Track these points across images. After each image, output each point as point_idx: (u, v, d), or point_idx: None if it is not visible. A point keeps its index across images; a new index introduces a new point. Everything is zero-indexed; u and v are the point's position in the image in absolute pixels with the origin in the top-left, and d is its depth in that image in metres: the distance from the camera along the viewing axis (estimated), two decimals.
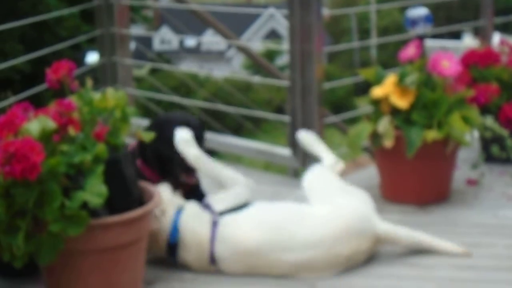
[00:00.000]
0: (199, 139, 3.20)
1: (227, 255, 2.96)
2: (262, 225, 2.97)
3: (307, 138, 3.50)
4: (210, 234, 2.98)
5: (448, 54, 3.72)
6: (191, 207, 3.06)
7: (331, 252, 2.94)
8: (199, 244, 2.98)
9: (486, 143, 4.24)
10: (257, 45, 25.52)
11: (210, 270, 2.99)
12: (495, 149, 4.07)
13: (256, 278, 2.99)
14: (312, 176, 3.28)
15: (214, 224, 2.99)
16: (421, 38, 3.87)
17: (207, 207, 3.06)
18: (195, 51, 33.04)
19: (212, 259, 2.98)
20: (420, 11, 4.57)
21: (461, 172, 4.04)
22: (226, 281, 2.96)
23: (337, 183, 3.27)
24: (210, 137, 4.78)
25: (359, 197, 3.18)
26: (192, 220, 3.01)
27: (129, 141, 2.94)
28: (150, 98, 5.64)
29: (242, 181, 3.15)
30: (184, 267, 3.03)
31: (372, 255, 3.09)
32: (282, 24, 33.83)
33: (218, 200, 3.08)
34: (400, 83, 3.64)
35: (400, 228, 3.14)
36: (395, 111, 3.65)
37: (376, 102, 3.72)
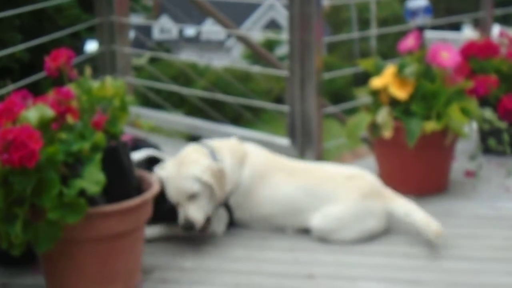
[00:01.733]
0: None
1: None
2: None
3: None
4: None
5: (448, 46, 3.72)
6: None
7: (346, 184, 3.21)
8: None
9: (484, 135, 4.24)
10: (257, 35, 25.47)
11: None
12: (491, 142, 4.08)
13: (255, 263, 3.01)
14: None
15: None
16: (420, 29, 3.86)
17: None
18: (195, 41, 32.98)
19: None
20: (420, 2, 4.56)
21: (459, 163, 4.04)
22: (226, 269, 2.97)
23: None
24: (209, 126, 4.79)
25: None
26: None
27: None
28: (149, 87, 5.63)
29: None
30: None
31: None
32: (282, 14, 33.77)
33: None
34: (400, 74, 3.64)
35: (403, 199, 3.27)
36: (394, 102, 3.64)
37: (375, 93, 3.71)
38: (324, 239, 3.18)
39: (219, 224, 3.25)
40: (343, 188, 3.22)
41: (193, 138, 3.65)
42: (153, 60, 23.90)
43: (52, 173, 2.49)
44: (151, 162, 3.25)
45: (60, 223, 2.50)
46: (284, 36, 4.25)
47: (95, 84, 2.74)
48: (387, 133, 3.59)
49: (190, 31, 34.50)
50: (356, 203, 3.19)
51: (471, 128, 3.89)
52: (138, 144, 3.38)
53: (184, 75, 23.85)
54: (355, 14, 31.78)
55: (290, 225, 3.27)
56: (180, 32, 34.34)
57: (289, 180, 3.27)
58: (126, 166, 2.77)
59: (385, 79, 3.65)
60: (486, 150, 4.17)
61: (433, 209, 3.56)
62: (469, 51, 4.31)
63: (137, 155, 3.24)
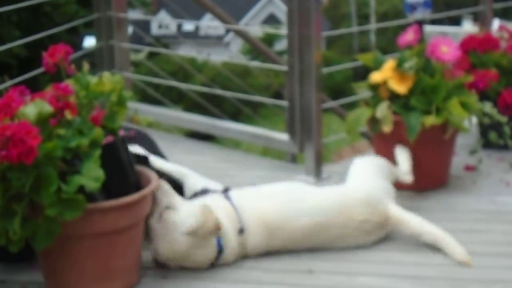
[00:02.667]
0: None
1: (251, 223, 2.98)
2: (273, 196, 3.06)
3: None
4: (232, 207, 2.99)
5: (447, 40, 3.71)
6: (206, 204, 2.94)
7: (341, 216, 3.02)
8: (230, 218, 2.96)
9: (484, 129, 4.23)
10: (256, 30, 25.47)
11: (239, 256, 2.98)
12: (492, 136, 4.06)
13: (256, 261, 2.99)
14: (359, 161, 3.39)
15: (227, 197, 3.03)
16: (420, 23, 3.85)
17: (205, 192, 3.07)
18: (193, 36, 32.97)
19: (241, 229, 2.96)
20: None
21: (459, 158, 4.03)
22: (226, 265, 2.95)
23: (372, 171, 3.31)
24: (209, 122, 4.78)
25: (380, 183, 3.24)
26: (218, 212, 2.93)
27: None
28: (148, 82, 5.62)
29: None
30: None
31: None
32: (281, 9, 33.76)
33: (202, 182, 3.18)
34: (399, 68, 3.63)
35: (414, 217, 3.12)
36: (393, 97, 3.63)
37: (375, 87, 3.70)
38: None
39: None
40: (351, 238, 3.06)
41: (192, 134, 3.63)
42: (151, 56, 23.89)
43: (50, 169, 2.48)
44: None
45: (59, 219, 2.49)
46: (283, 31, 4.23)
47: (93, 80, 2.73)
48: (387, 128, 3.58)
49: (188, 26, 34.49)
50: (361, 242, 3.08)
51: (471, 123, 3.88)
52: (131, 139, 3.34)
53: (182, 71, 23.84)
54: (354, 8, 31.77)
55: None
56: (179, 27, 34.33)
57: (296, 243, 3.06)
58: (125, 162, 2.76)
59: (385, 73, 3.64)
60: (486, 144, 4.16)
61: (433, 204, 3.56)
62: (468, 45, 4.30)
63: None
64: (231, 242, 2.94)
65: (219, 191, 3.10)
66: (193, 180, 3.21)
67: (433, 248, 3.07)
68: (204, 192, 3.10)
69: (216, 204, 2.96)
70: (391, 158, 3.67)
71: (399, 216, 3.11)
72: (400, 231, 3.12)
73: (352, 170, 3.34)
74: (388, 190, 3.23)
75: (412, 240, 3.13)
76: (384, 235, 3.13)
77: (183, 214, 2.83)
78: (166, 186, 2.88)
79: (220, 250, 2.90)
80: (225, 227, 2.92)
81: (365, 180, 3.24)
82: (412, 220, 3.11)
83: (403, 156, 3.58)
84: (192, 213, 2.82)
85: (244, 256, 2.99)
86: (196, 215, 2.81)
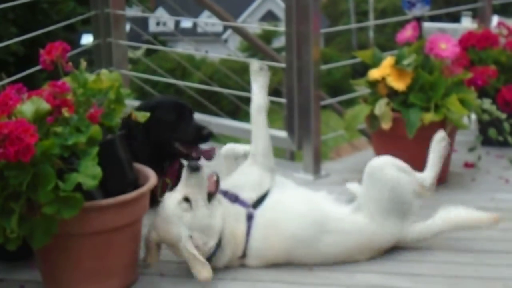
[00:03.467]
0: (189, 120, 3.28)
1: (261, 246, 2.88)
2: (298, 219, 2.89)
3: None
4: (246, 229, 2.88)
5: (446, 36, 3.70)
6: (229, 207, 2.90)
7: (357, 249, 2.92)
8: (235, 242, 2.88)
9: (483, 126, 4.22)
10: (254, 27, 25.43)
11: (234, 265, 2.92)
12: (492, 132, 4.05)
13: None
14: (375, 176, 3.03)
15: (249, 218, 2.90)
16: (419, 20, 3.84)
17: (238, 201, 2.94)
18: (191, 33, 32.93)
19: (244, 254, 2.90)
20: None
21: (458, 155, 4.03)
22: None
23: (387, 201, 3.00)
24: (207, 119, 4.76)
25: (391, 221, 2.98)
26: (232, 220, 2.88)
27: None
28: (146, 79, 5.60)
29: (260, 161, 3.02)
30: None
31: None
32: (279, 6, 33.73)
33: (247, 193, 2.96)
34: (398, 65, 3.62)
35: (431, 222, 3.03)
36: (392, 93, 3.62)
37: (373, 84, 3.69)
38: None
39: None
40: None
41: None
42: (149, 53, 23.83)
43: (48, 167, 2.47)
44: None
45: (56, 217, 2.48)
46: (281, 28, 4.22)
47: (90, 77, 2.72)
48: (386, 125, 3.57)
49: (186, 23, 34.45)
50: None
51: (470, 120, 3.88)
52: None
53: (180, 68, 23.78)
54: (352, 5, 31.75)
55: None
56: (177, 24, 34.28)
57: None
58: (123, 159, 2.75)
59: (383, 70, 3.63)
60: (485, 141, 4.16)
61: (431, 201, 3.54)
62: (467, 42, 4.29)
63: None
64: (226, 257, 2.88)
65: (247, 203, 2.94)
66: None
67: (432, 245, 3.06)
68: (233, 198, 2.95)
69: (234, 219, 2.87)
70: (390, 155, 3.65)
71: (416, 236, 3.01)
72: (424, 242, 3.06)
73: (365, 190, 3.00)
74: (402, 216, 2.98)
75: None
76: None
77: (201, 215, 2.79)
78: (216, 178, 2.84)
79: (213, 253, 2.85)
80: (229, 244, 2.86)
81: (377, 218, 2.94)
82: (427, 228, 3.02)
83: (434, 158, 3.21)
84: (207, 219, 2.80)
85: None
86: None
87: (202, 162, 3.20)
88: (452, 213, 3.04)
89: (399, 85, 3.59)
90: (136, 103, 5.02)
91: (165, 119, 3.30)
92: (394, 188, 2.96)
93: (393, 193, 2.95)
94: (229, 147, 3.17)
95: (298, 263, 2.90)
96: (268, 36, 28.42)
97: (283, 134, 4.21)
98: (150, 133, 3.29)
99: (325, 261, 2.90)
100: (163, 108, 3.32)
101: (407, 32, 3.82)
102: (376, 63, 3.73)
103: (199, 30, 33.45)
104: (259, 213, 2.90)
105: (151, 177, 2.80)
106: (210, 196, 2.82)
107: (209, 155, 3.36)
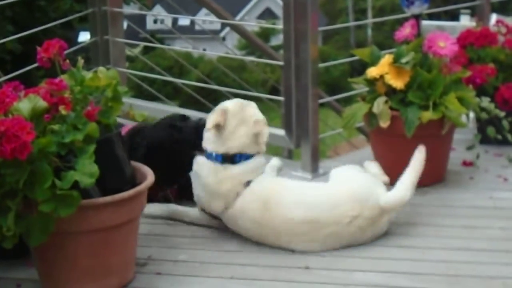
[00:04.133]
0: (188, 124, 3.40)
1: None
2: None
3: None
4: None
5: (444, 34, 3.69)
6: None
7: (333, 212, 2.99)
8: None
9: (482, 125, 4.21)
10: (252, 25, 25.42)
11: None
12: (490, 131, 4.04)
13: (251, 257, 2.98)
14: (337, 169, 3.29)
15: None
16: (417, 18, 3.83)
17: None
18: (189, 31, 32.93)
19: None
20: None
21: (457, 153, 4.02)
22: (221, 262, 2.95)
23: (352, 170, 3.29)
24: (205, 117, 4.74)
25: (363, 176, 3.22)
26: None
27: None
28: (143, 77, 5.59)
29: None
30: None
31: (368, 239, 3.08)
32: (277, 3, 33.75)
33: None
34: (396, 63, 3.61)
35: (401, 189, 3.14)
36: (390, 92, 3.62)
37: (372, 82, 3.68)
38: None
39: None
40: (345, 236, 3.03)
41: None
42: (146, 51, 23.80)
43: (44, 165, 2.46)
44: None
45: (53, 216, 2.47)
46: (280, 25, 4.21)
47: (88, 75, 2.71)
48: (384, 123, 3.56)
49: (184, 21, 34.43)
50: (357, 239, 3.06)
51: (468, 118, 3.87)
52: None
53: (178, 66, 23.77)
54: (351, 3, 31.77)
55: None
56: (174, 22, 34.26)
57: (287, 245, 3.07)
58: (120, 157, 2.74)
59: (382, 68, 3.62)
60: (484, 139, 4.15)
61: (430, 200, 3.55)
62: (466, 40, 4.28)
63: None
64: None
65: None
66: None
67: (430, 244, 3.06)
68: None
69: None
70: (389, 154, 3.66)
71: (391, 202, 3.08)
72: (400, 211, 3.14)
73: (332, 174, 3.24)
74: (374, 181, 3.17)
75: (409, 236, 3.13)
76: (382, 231, 3.11)
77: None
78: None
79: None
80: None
81: (348, 178, 3.17)
82: (399, 195, 3.11)
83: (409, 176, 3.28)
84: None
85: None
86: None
87: None
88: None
89: (398, 83, 3.58)
90: (134, 101, 5.02)
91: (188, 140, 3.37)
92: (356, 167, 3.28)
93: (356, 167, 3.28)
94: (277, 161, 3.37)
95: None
96: (266, 34, 28.44)
97: (281, 132, 4.20)
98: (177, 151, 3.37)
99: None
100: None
101: (406, 30, 3.81)
102: (374, 61, 3.71)
103: (197, 28, 33.44)
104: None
105: (149, 175, 2.79)
106: None
107: None
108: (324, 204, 3.02)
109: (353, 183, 3.13)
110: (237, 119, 3.10)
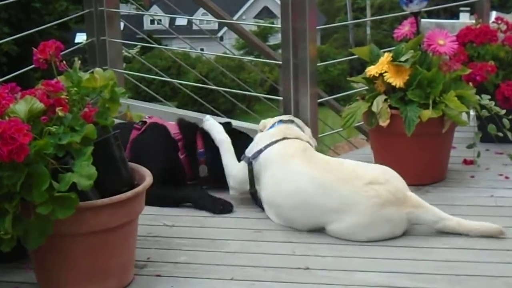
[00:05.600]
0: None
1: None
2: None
3: None
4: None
5: (444, 32, 3.67)
6: None
7: (360, 169, 3.14)
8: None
9: (482, 123, 4.18)
10: (250, 24, 25.43)
11: None
12: (491, 128, 4.01)
13: (251, 256, 2.97)
14: None
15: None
16: (416, 15, 3.81)
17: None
18: (186, 31, 32.93)
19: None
20: None
21: (458, 151, 4.00)
22: (221, 263, 2.93)
23: None
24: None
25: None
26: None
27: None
28: (141, 78, 5.58)
29: None
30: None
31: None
32: (275, 2, 33.75)
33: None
34: (395, 61, 3.59)
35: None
36: (390, 90, 3.60)
37: (371, 81, 3.66)
38: None
39: None
40: (361, 195, 3.03)
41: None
42: (144, 51, 23.78)
43: (42, 167, 2.44)
44: None
45: (51, 218, 2.45)
46: (278, 24, 4.19)
47: (84, 76, 2.69)
48: (383, 122, 3.55)
49: (181, 21, 34.43)
50: (372, 213, 3.04)
51: (469, 116, 3.85)
52: None
53: (176, 66, 23.75)
54: (349, 1, 31.78)
55: (301, 222, 3.18)
56: (172, 22, 34.26)
57: (304, 168, 3.19)
58: (118, 159, 2.73)
59: (381, 67, 3.60)
60: (485, 138, 4.12)
61: (431, 199, 3.51)
62: (465, 38, 4.26)
63: None
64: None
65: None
66: None
67: (432, 244, 3.03)
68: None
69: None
70: (389, 153, 3.64)
71: (419, 200, 3.10)
72: (419, 216, 3.09)
73: None
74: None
75: (409, 236, 3.11)
76: (399, 227, 3.08)
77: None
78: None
79: None
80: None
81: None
82: (431, 207, 3.11)
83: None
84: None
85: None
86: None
87: None
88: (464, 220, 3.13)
89: (397, 81, 3.56)
90: (132, 102, 5.00)
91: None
92: None
93: None
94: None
95: None
96: (264, 33, 28.44)
97: None
98: None
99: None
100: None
101: (405, 28, 3.79)
102: (373, 60, 3.70)
103: (194, 27, 33.45)
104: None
105: (147, 177, 2.77)
106: None
107: None
108: (355, 162, 3.21)
109: (390, 169, 3.20)
110: None
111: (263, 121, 3.63)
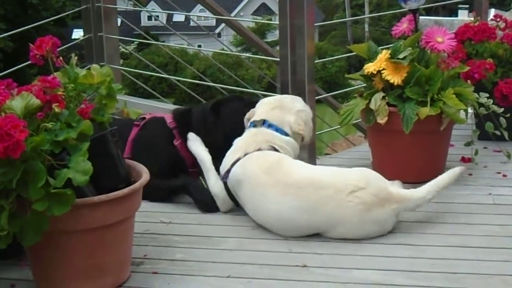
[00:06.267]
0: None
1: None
2: None
3: None
4: None
5: (442, 29, 3.66)
6: None
7: (336, 178, 3.07)
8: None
9: (480, 120, 4.18)
10: (248, 21, 25.39)
11: None
12: (489, 126, 4.01)
13: (248, 256, 2.96)
14: None
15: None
16: (414, 13, 3.80)
17: None
18: (184, 27, 32.89)
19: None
20: None
21: (455, 149, 3.99)
22: (218, 260, 2.92)
23: None
24: None
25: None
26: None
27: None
28: (138, 74, 5.57)
29: None
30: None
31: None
32: None
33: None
34: (393, 58, 3.58)
35: (420, 188, 3.17)
36: (388, 87, 3.59)
37: (369, 78, 3.66)
38: None
39: None
40: (346, 206, 3.01)
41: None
42: (141, 48, 23.75)
43: (38, 163, 2.43)
44: None
45: (47, 214, 2.44)
46: (276, 21, 4.18)
47: (81, 72, 2.68)
48: (381, 119, 3.54)
49: (179, 17, 34.40)
50: (360, 219, 3.02)
51: (467, 114, 3.84)
52: None
53: (173, 63, 23.72)
54: None
55: (291, 235, 3.12)
56: (169, 18, 34.23)
57: (279, 198, 3.09)
58: (115, 155, 2.72)
59: (379, 64, 3.59)
60: (483, 135, 4.12)
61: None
62: (464, 35, 4.25)
63: None
64: None
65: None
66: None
67: (428, 242, 3.03)
68: None
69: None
70: (386, 150, 3.63)
71: (401, 192, 3.10)
72: (405, 209, 3.09)
73: None
74: (390, 182, 3.18)
75: (407, 234, 3.10)
76: (385, 225, 3.07)
77: None
78: None
79: None
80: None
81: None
82: (412, 193, 3.12)
83: None
84: None
85: None
86: None
87: None
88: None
89: (395, 79, 3.55)
90: (129, 98, 4.99)
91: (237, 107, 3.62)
92: None
93: None
94: None
95: None
96: (262, 30, 28.41)
97: None
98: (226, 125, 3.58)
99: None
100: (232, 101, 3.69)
101: (403, 25, 3.78)
102: (371, 57, 3.69)
103: (192, 24, 33.43)
104: None
105: (144, 173, 2.76)
106: None
107: None
108: (329, 171, 3.15)
109: (367, 169, 3.19)
110: None
111: (251, 111, 3.53)
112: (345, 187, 3.02)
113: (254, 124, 3.43)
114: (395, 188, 3.13)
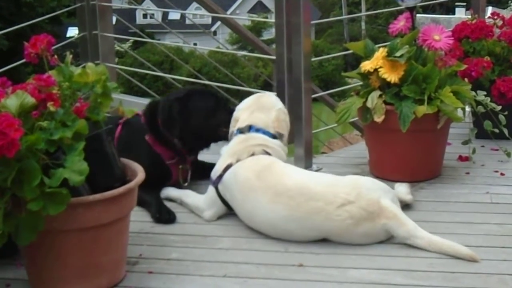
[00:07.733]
0: (224, 107, 3.60)
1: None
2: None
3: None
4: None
5: (439, 27, 3.65)
6: None
7: (329, 188, 3.01)
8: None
9: (478, 119, 4.17)
10: (244, 19, 25.38)
11: None
12: (487, 124, 3.99)
13: (244, 255, 2.94)
14: None
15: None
16: (411, 10, 3.79)
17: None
18: (179, 25, 32.88)
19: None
20: None
21: (453, 148, 3.99)
22: (214, 260, 2.91)
23: None
24: None
25: (375, 180, 3.18)
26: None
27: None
28: (133, 73, 5.55)
29: None
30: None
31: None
32: None
33: None
34: (390, 56, 3.56)
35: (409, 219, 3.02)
36: (384, 86, 3.57)
37: (365, 76, 3.64)
38: None
39: None
40: (334, 220, 2.96)
41: None
42: (136, 46, 23.72)
43: (33, 162, 2.42)
44: None
45: (42, 214, 2.42)
46: (272, 19, 4.16)
47: (76, 71, 2.67)
48: (378, 118, 3.52)
49: (174, 15, 34.38)
50: (348, 233, 2.98)
51: (464, 112, 3.83)
52: None
53: (168, 61, 23.70)
54: None
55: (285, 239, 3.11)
56: (164, 16, 34.20)
57: (270, 206, 3.06)
58: (110, 154, 2.71)
59: (376, 62, 3.58)
60: (481, 134, 4.11)
61: (426, 196, 3.51)
62: (461, 33, 4.24)
63: None
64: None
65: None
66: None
67: None
68: None
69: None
70: (383, 149, 3.62)
71: (394, 211, 2.99)
72: (392, 229, 2.98)
73: None
74: (384, 188, 3.10)
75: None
76: (376, 237, 3.02)
77: None
78: None
79: None
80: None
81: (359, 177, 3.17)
82: (408, 220, 3.00)
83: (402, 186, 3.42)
84: None
85: None
86: None
87: None
88: (436, 238, 2.96)
89: (392, 77, 3.53)
90: (124, 97, 4.97)
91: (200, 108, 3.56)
92: None
93: None
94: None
95: None
96: (258, 28, 28.41)
97: None
98: (190, 119, 3.52)
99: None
100: (199, 98, 3.60)
101: (400, 23, 3.76)
102: (368, 55, 3.67)
103: (188, 22, 33.40)
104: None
105: (139, 172, 2.75)
106: None
107: None
108: (321, 179, 3.09)
109: (361, 177, 3.13)
110: None
111: (233, 119, 3.45)
112: (334, 200, 2.97)
113: (241, 131, 3.37)
114: (388, 201, 3.01)
